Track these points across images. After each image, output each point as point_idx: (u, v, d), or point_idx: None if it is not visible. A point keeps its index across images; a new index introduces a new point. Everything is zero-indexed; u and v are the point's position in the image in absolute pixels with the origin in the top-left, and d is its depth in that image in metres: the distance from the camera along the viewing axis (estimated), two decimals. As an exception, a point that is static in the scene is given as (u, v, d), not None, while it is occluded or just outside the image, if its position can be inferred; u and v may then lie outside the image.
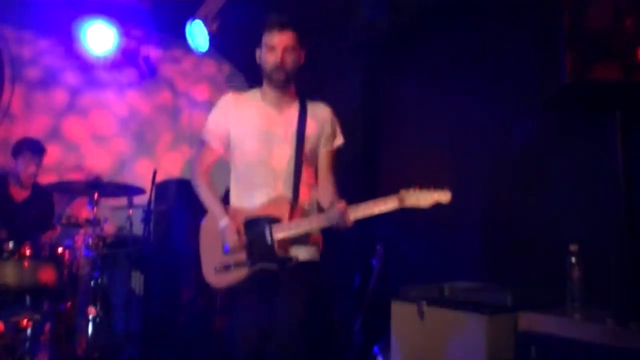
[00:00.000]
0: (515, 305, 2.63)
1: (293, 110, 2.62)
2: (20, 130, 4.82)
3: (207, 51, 4.87)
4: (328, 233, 2.63)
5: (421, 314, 2.94)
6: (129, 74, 5.45)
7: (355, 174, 4.44)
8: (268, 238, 2.48)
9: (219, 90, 5.76)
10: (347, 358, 3.69)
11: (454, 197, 2.45)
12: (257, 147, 2.55)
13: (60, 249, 3.74)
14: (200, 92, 5.90)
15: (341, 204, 2.42)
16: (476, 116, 3.72)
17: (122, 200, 4.34)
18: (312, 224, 2.50)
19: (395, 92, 4.56)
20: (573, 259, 2.58)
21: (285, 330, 2.45)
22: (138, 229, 4.31)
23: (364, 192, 2.57)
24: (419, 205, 2.42)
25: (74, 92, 5.25)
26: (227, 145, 2.63)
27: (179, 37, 4.96)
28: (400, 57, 4.47)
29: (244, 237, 2.50)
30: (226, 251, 2.53)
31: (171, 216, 4.45)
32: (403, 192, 2.43)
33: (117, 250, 4.22)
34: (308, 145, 2.60)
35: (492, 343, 2.53)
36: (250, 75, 5.63)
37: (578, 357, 2.26)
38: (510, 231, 3.35)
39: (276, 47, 2.49)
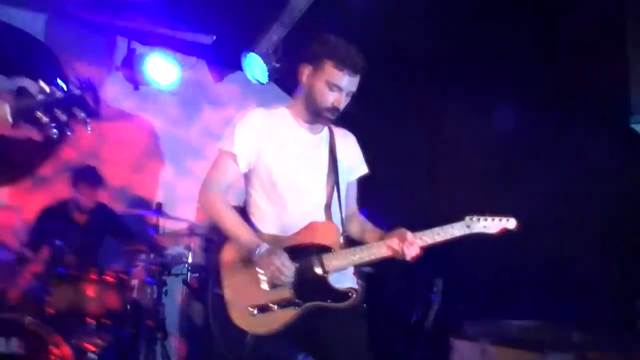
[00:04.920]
0: (583, 344, 2.57)
1: (324, 134, 2.48)
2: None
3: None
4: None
5: (484, 353, 2.90)
6: (190, 104, 5.59)
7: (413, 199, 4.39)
8: (319, 269, 2.23)
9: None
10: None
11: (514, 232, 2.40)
12: (291, 171, 2.35)
13: (123, 275, 3.84)
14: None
15: (406, 231, 2.26)
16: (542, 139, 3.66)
17: (183, 228, 4.41)
18: (373, 253, 2.28)
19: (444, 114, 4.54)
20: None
21: None
22: (199, 257, 4.36)
23: (424, 219, 2.43)
24: (486, 232, 2.30)
25: (122, 121, 5.35)
26: (252, 165, 2.37)
27: (237, 69, 5.10)
28: (448, 80, 4.46)
29: (293, 268, 2.18)
30: (267, 287, 2.20)
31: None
32: (469, 219, 2.29)
33: (177, 278, 4.28)
34: (342, 172, 2.45)
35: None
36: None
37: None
38: (571, 270, 3.29)
39: (342, 89, 2.29)
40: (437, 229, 2.28)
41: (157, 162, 5.49)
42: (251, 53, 4.80)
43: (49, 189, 4.84)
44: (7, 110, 1.56)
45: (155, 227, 4.01)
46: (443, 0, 3.69)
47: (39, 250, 3.84)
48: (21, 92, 1.61)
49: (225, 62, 5.56)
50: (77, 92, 1.64)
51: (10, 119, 1.56)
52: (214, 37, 5.13)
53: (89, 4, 4.89)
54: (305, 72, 2.35)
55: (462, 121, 4.37)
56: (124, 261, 4.03)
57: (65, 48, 5.18)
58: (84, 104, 1.63)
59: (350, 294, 2.25)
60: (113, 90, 5.35)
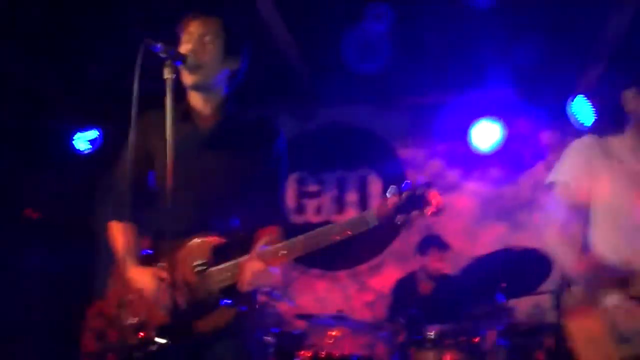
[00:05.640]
0: None
1: None
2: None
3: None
4: None
5: None
6: (511, 160, 5.55)
7: None
8: None
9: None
10: None
11: None
12: (626, 196, 2.15)
13: (476, 339, 3.84)
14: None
15: None
16: None
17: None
18: None
19: None
20: None
21: None
22: (551, 315, 4.11)
23: None
24: None
25: (450, 192, 5.57)
26: (587, 193, 2.21)
27: (559, 117, 4.96)
28: None
29: None
30: (620, 342, 1.97)
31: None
32: None
33: (530, 339, 4.07)
34: None
35: None
36: None
37: None
38: None
39: None
40: None
41: (490, 223, 5.52)
42: (578, 96, 4.60)
43: (400, 263, 5.35)
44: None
45: (504, 293, 3.92)
46: None
47: (396, 320, 4.12)
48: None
49: (544, 111, 5.40)
50: (418, 192, 1.85)
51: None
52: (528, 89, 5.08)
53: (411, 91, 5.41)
54: (630, 98, 2.19)
55: None
56: (475, 325, 4.02)
57: (392, 135, 5.76)
58: (422, 202, 1.85)
59: None
60: (436, 165, 5.67)
